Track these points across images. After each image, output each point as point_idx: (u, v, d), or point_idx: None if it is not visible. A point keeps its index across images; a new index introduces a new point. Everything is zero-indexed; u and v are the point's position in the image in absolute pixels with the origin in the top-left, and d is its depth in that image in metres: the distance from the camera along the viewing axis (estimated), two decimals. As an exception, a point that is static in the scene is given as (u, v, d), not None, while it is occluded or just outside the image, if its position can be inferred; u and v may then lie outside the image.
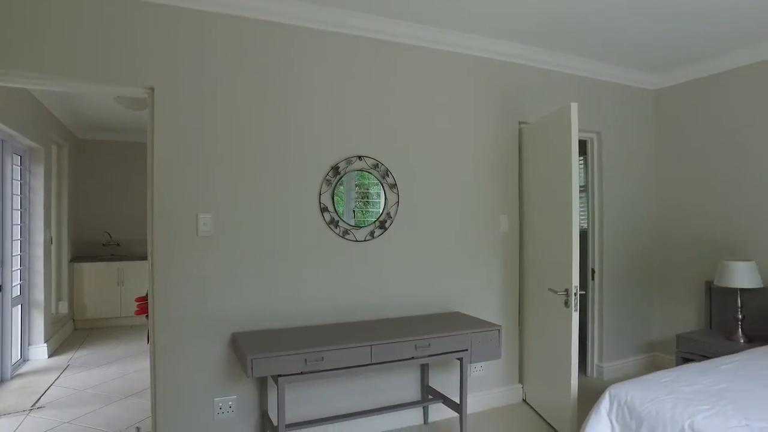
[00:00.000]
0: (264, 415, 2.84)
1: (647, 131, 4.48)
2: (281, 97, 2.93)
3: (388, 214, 3.20)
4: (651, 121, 4.50)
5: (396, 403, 3.17)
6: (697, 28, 3.35)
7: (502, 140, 3.65)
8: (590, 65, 4.02)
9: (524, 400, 3.73)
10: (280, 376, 2.41)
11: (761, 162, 3.74)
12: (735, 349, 3.31)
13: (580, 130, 3.99)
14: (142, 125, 3.79)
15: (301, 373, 2.44)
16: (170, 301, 2.66)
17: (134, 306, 4.11)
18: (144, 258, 3.96)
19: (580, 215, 5.23)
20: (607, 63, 4.06)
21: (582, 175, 4.70)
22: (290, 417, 2.93)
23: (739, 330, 3.55)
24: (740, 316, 3.57)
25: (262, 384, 2.87)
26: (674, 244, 4.36)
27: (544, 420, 3.37)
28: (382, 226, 3.18)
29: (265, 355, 2.34)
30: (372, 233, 3.15)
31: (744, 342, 3.48)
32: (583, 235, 4.49)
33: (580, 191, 5.18)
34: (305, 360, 2.42)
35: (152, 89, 2.65)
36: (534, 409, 3.55)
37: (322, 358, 2.46)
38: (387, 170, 3.20)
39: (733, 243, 3.91)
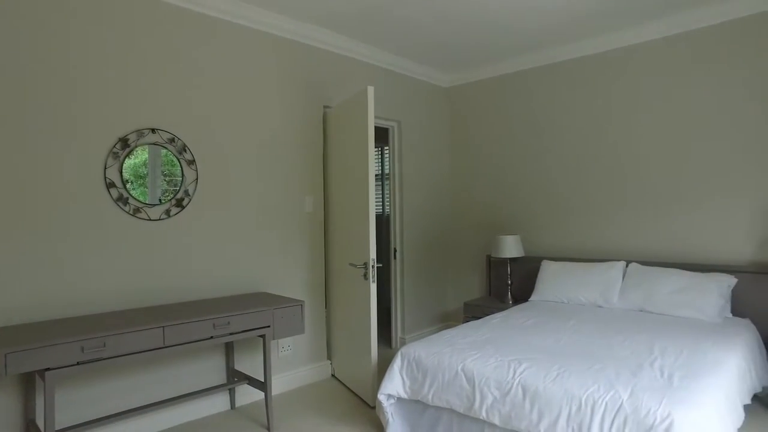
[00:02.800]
0: (30, 425, 2.44)
1: (442, 125, 5.02)
2: (60, 55, 2.55)
3: (186, 191, 3.03)
4: (445, 116, 5.06)
5: (195, 390, 3.01)
6: (481, 37, 3.88)
7: (308, 122, 3.73)
8: (392, 58, 4.35)
9: (333, 376, 3.87)
10: (47, 370, 2.10)
11: (521, 156, 4.50)
12: (505, 309, 3.92)
13: (381, 118, 4.34)
14: None
15: (78, 363, 2.17)
16: None
17: None
18: None
19: (386, 200, 5.67)
20: (407, 58, 4.44)
21: (387, 162, 5.06)
22: (69, 420, 2.59)
23: (509, 293, 4.22)
24: (509, 282, 4.24)
25: (28, 387, 2.46)
26: (464, 225, 4.97)
27: (352, 391, 3.54)
28: (179, 204, 2.99)
29: (27, 347, 2.02)
30: (168, 212, 2.94)
31: (512, 302, 4.15)
32: (387, 218, 4.88)
33: (385, 178, 5.59)
34: (82, 348, 2.15)
35: None
36: (342, 383, 3.71)
37: (104, 344, 2.21)
38: (184, 145, 3.02)
39: (506, 221, 4.62)
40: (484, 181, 4.80)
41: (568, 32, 3.87)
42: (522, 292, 4.36)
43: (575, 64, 4.17)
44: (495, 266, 4.57)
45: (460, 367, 2.44)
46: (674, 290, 3.32)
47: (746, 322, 3.17)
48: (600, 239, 4.05)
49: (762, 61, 3.33)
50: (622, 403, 1.92)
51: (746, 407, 2.52)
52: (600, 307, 3.60)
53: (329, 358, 3.90)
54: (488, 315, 3.93)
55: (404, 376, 2.66)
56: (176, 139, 2.98)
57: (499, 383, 2.26)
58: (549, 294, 3.86)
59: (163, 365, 2.94)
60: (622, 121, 3.93)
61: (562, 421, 2.03)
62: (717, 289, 3.21)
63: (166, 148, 2.93)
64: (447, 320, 5.05)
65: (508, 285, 4.25)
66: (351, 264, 3.27)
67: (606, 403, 1.95)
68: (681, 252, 3.66)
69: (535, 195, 4.44)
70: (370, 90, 3.07)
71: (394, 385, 2.66)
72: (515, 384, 2.21)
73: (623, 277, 3.66)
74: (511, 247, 4.13)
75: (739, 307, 3.33)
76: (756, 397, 3.13)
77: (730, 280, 3.26)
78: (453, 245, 5.06)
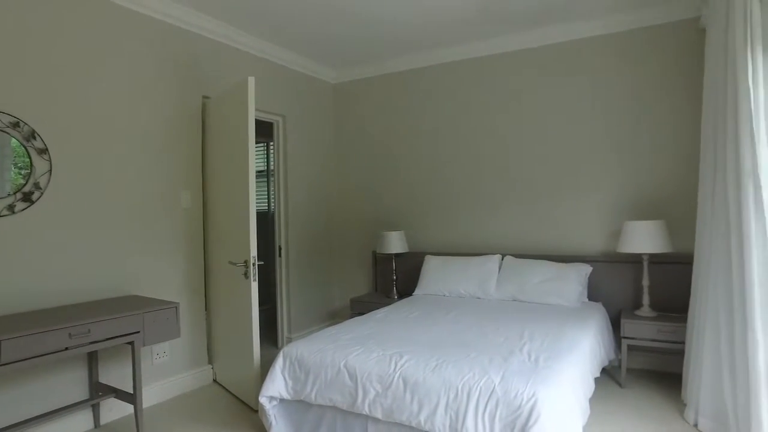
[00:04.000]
0: None
1: (328, 121, 4.98)
2: None
3: (37, 184, 2.65)
4: (331, 112, 5.02)
5: (48, 410, 2.67)
6: (365, 34, 3.89)
7: (185, 113, 3.48)
8: (278, 51, 4.21)
9: (215, 381, 3.67)
10: None
11: (404, 154, 4.63)
12: (390, 303, 3.99)
13: (265, 112, 4.19)
14: None
15: None
16: None
17: None
18: None
19: (271, 197, 5.51)
20: (293, 51, 4.33)
21: (272, 157, 4.91)
22: None
23: (394, 288, 4.32)
24: (394, 277, 4.34)
25: None
26: (351, 221, 4.98)
27: (235, 396, 3.37)
28: (28, 198, 2.61)
29: None
30: (11, 207, 2.55)
31: (397, 297, 4.24)
32: (272, 215, 4.74)
33: (271, 174, 5.43)
34: None
35: None
36: (225, 388, 3.52)
37: None
38: (33, 132, 2.64)
39: (391, 218, 4.72)
40: (369, 178, 4.86)
41: (451, 35, 4.04)
42: (407, 287, 4.48)
43: (457, 66, 4.37)
44: (381, 262, 4.64)
45: (342, 364, 2.42)
46: (542, 280, 3.62)
47: (598, 305, 3.56)
48: (479, 234, 4.30)
49: (605, 74, 3.75)
50: (494, 387, 2.04)
51: (596, 379, 2.82)
52: (479, 298, 3.81)
53: (210, 362, 3.68)
54: (374, 310, 3.99)
55: (286, 377, 2.59)
56: (22, 123, 2.60)
57: (381, 377, 2.28)
58: (431, 288, 4.01)
59: (7, 385, 2.55)
60: (498, 124, 4.20)
61: (440, 410, 2.10)
62: (576, 278, 3.56)
63: (7, 133, 2.54)
64: (335, 317, 5.04)
65: (394, 280, 4.35)
66: (231, 262, 3.11)
67: (480, 389, 2.05)
68: (549, 244, 4.01)
69: (418, 192, 4.58)
70: (251, 81, 2.94)
71: (276, 387, 2.58)
72: (396, 377, 2.25)
73: (499, 270, 3.91)
74: (395, 243, 4.23)
75: (593, 292, 3.72)
76: (604, 370, 3.53)
77: (587, 269, 3.63)
78: (339, 242, 5.05)
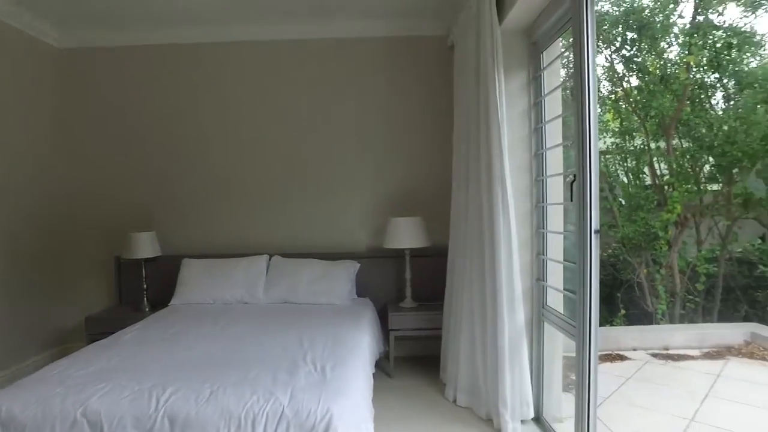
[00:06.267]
0: None
1: (48, 95, 3.89)
2: None
3: None
4: (54, 83, 3.94)
5: None
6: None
7: None
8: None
9: None
10: None
11: (154, 143, 3.98)
12: (142, 319, 3.33)
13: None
14: None
15: None
16: None
17: None
18: None
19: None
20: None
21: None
22: None
23: (145, 299, 3.66)
24: (145, 286, 3.67)
25: None
26: (85, 221, 4.01)
27: None
28: None
29: None
30: None
31: (149, 310, 3.59)
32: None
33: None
34: None
35: None
36: None
37: None
38: None
39: (138, 217, 3.97)
40: (111, 169, 3.99)
41: (216, 14, 3.60)
42: (161, 297, 3.77)
43: (222, 47, 3.93)
44: (127, 269, 3.86)
45: (80, 412, 1.84)
46: (312, 279, 3.52)
47: (367, 300, 3.65)
48: (243, 233, 3.97)
49: (369, 76, 3.89)
50: (283, 410, 1.80)
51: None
52: (247, 303, 3.50)
53: None
54: (122, 329, 3.28)
55: (-13, 446, 1.85)
56: None
57: (139, 420, 1.81)
58: (192, 296, 3.52)
59: None
60: (262, 115, 3.94)
61: (221, 447, 1.76)
62: (345, 275, 3.58)
63: None
64: (68, 341, 3.95)
65: (144, 290, 3.67)
66: None
67: (267, 414, 1.79)
68: (317, 242, 3.93)
69: (172, 187, 3.98)
70: None
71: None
72: (160, 417, 1.81)
73: (267, 271, 3.66)
74: (145, 246, 3.58)
75: (361, 288, 3.77)
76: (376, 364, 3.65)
77: (355, 266, 3.68)
78: (70, 246, 4.00)
